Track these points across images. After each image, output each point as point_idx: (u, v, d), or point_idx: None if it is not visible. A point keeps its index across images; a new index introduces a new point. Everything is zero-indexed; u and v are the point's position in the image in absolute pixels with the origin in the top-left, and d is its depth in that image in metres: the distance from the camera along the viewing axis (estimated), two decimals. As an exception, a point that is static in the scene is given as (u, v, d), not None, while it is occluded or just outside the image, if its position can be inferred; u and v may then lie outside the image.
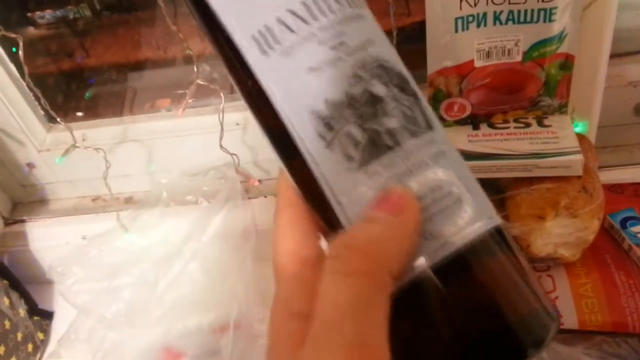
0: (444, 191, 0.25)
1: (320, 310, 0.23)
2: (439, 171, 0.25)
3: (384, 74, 0.26)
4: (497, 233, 0.26)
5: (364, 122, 0.25)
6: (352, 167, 0.25)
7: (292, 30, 0.25)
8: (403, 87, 0.26)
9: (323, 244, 0.28)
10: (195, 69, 0.69)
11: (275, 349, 0.26)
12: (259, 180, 0.80)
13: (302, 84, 0.25)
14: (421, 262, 0.25)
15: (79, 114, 0.87)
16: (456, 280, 0.25)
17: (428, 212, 0.25)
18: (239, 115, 0.76)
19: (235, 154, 0.76)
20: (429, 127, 0.26)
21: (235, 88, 0.28)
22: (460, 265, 0.25)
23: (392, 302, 0.24)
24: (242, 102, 0.85)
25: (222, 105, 0.71)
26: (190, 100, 0.71)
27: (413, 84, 0.27)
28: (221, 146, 0.73)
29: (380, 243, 0.24)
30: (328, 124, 0.25)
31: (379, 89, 0.25)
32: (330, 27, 0.26)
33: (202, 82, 0.69)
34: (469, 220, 0.25)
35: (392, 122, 0.25)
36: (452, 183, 0.25)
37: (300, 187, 0.27)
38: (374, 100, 0.25)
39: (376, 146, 0.25)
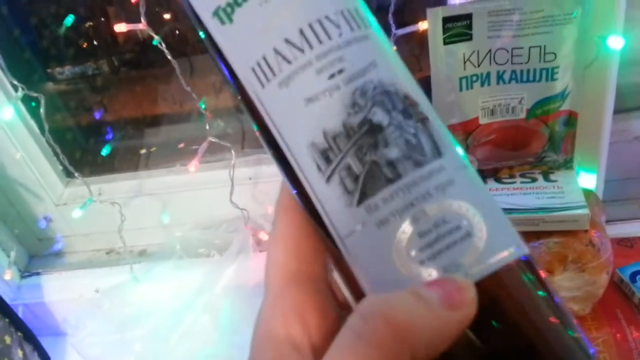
0: (450, 225, 0.23)
1: None
2: (445, 203, 0.23)
3: (387, 100, 0.24)
4: (520, 266, 0.24)
5: (363, 154, 0.24)
6: (352, 202, 0.24)
7: (288, 60, 0.24)
8: (409, 112, 0.24)
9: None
10: (207, 127, 0.71)
11: None
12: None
13: (300, 116, 0.24)
14: None
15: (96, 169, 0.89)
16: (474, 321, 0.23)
17: (432, 249, 0.23)
18: (251, 170, 0.78)
19: (245, 209, 0.77)
20: (438, 153, 0.24)
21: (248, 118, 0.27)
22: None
23: None
24: (253, 157, 0.86)
25: (232, 162, 0.72)
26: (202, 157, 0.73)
27: (424, 105, 0.25)
28: (231, 201, 0.74)
29: (418, 327, 0.22)
30: (326, 157, 0.24)
31: (380, 117, 0.24)
32: (327, 54, 0.24)
33: (214, 140, 0.71)
34: (480, 256, 0.23)
35: (393, 153, 0.24)
36: (460, 216, 0.23)
37: (308, 215, 0.26)
38: (374, 129, 0.24)
39: (375, 179, 0.23)
